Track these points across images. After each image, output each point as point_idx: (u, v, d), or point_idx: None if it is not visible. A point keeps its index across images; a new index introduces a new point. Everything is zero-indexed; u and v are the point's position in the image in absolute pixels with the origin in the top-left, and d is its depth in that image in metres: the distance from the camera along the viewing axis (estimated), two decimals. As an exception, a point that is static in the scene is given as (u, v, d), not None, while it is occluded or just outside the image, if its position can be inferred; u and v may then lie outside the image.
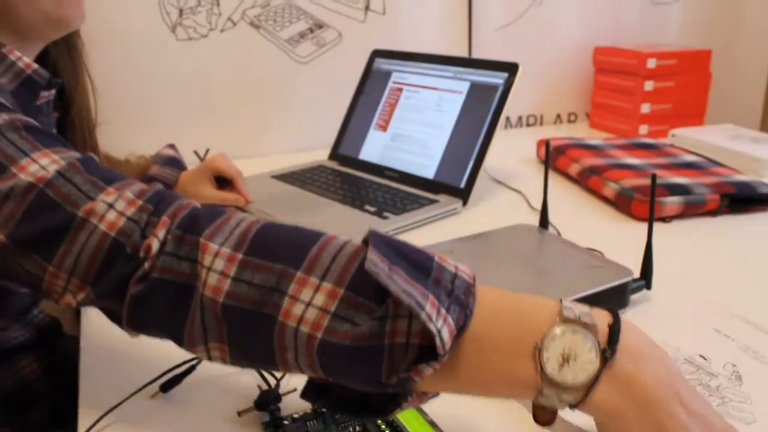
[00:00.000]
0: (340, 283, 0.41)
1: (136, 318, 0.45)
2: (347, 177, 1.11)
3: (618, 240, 0.88)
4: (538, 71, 1.52)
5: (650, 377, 0.39)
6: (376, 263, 0.39)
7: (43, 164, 0.48)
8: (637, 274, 0.72)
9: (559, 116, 1.60)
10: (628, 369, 0.39)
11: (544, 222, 0.84)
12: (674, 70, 1.42)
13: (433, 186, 1.03)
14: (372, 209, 0.96)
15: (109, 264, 0.45)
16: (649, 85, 1.41)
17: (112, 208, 0.46)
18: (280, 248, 0.43)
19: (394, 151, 1.11)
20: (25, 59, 0.64)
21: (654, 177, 0.69)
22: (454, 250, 0.75)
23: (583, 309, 0.40)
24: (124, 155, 1.01)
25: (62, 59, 0.74)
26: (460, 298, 0.41)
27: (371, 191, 1.04)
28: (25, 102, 0.64)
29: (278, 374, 0.57)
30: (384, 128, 1.15)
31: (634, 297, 0.71)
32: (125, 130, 1.19)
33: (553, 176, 1.18)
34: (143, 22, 1.20)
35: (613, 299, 0.69)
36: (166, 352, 0.57)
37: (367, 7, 1.34)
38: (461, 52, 1.45)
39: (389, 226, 0.90)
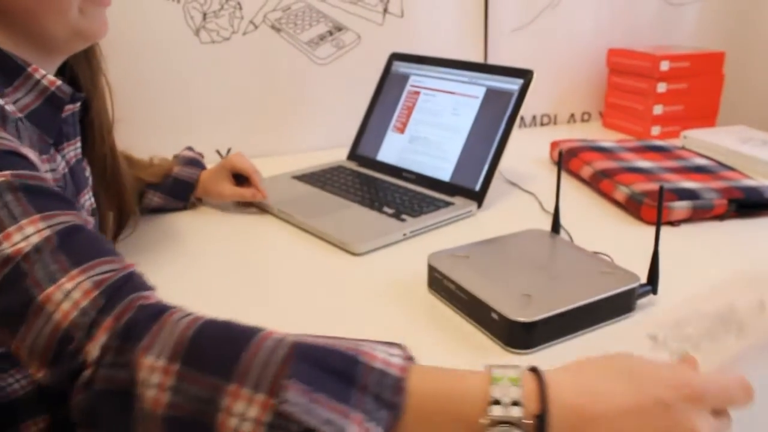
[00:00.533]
0: (272, 393, 0.41)
1: (83, 421, 0.46)
2: (366, 178, 1.15)
3: (628, 244, 0.91)
4: (552, 71, 1.55)
5: None
6: (293, 401, 0.41)
7: (27, 233, 0.50)
8: (644, 278, 0.75)
9: (573, 116, 1.63)
10: None
11: (555, 227, 0.88)
12: (687, 72, 1.44)
13: (449, 188, 1.07)
14: (390, 211, 1.00)
15: (60, 356, 0.46)
16: (661, 87, 1.43)
17: (68, 298, 0.47)
18: (213, 355, 0.44)
19: (412, 153, 1.15)
20: (49, 77, 0.66)
21: (662, 188, 0.72)
22: (469, 255, 0.78)
23: (511, 397, 0.42)
24: (148, 156, 1.05)
25: (81, 66, 0.76)
26: (388, 400, 0.42)
27: (389, 193, 1.07)
28: (49, 117, 0.66)
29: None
30: (402, 130, 1.18)
31: (640, 302, 0.75)
32: (150, 130, 1.24)
33: (565, 178, 1.21)
34: (168, 26, 1.24)
35: (620, 304, 0.73)
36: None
37: (385, 10, 1.37)
38: (477, 53, 1.48)
39: (407, 228, 0.94)
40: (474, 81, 1.12)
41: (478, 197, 1.04)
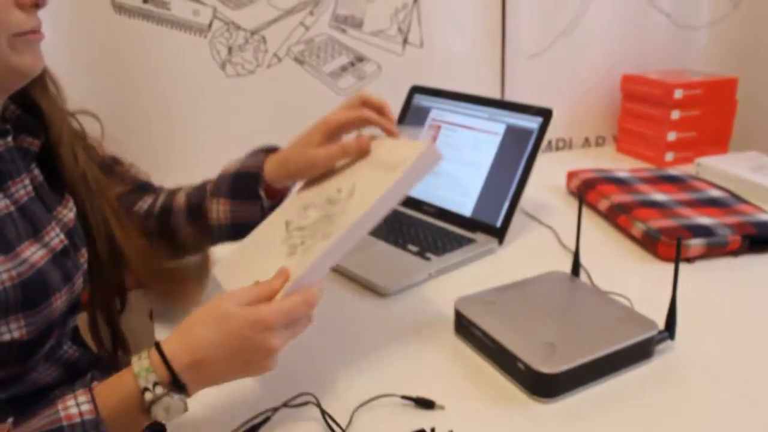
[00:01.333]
0: None
1: None
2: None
3: (646, 283, 0.94)
4: (567, 97, 1.58)
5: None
6: None
7: None
8: (661, 323, 0.78)
9: (587, 139, 1.66)
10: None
11: (575, 269, 0.91)
12: (700, 99, 1.47)
13: (470, 223, 1.10)
14: (414, 249, 1.03)
15: None
16: (675, 115, 1.46)
17: None
18: None
19: (433, 186, 1.18)
20: None
21: (679, 240, 0.75)
22: (495, 300, 0.82)
23: (151, 381, 0.60)
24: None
25: (38, 98, 0.73)
26: None
27: (412, 228, 1.11)
28: None
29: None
30: (422, 164, 1.22)
31: (658, 347, 0.78)
32: (178, 162, 1.28)
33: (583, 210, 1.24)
34: (195, 61, 1.28)
35: (639, 352, 0.76)
36: (240, 399, 0.66)
37: (405, 41, 1.40)
38: (495, 80, 1.51)
39: (432, 267, 0.98)
40: (494, 117, 1.15)
41: (499, 234, 1.07)
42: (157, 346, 0.62)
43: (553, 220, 1.18)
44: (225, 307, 0.63)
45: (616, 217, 1.14)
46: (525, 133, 1.10)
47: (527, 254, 1.06)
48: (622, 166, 1.37)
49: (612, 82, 1.61)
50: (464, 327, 0.81)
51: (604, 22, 1.57)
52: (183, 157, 1.30)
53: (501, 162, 1.12)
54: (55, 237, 0.70)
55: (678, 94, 1.44)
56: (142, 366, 0.61)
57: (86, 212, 0.77)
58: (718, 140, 1.53)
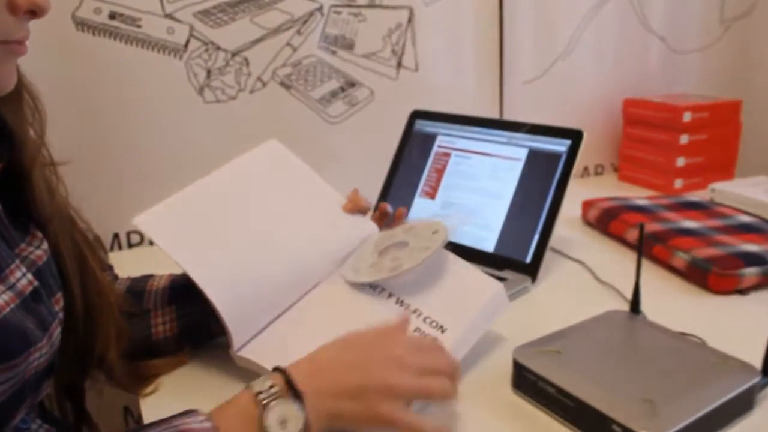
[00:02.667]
0: None
1: None
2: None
3: (701, 318, 0.84)
4: (564, 124, 1.48)
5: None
6: None
7: None
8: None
9: (586, 169, 1.56)
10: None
11: (635, 307, 0.79)
12: (707, 122, 1.40)
13: (495, 261, 0.98)
14: (440, 291, 0.89)
15: None
16: (684, 139, 1.38)
17: None
18: None
19: (446, 220, 1.05)
20: None
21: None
22: (560, 349, 0.69)
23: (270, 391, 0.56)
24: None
25: (9, 114, 0.61)
26: None
27: (430, 267, 0.97)
28: None
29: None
30: (432, 196, 1.09)
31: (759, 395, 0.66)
32: (147, 198, 1.11)
33: (605, 242, 1.13)
34: (169, 84, 1.13)
35: (741, 404, 0.64)
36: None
37: (399, 64, 1.29)
38: (493, 104, 1.41)
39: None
40: (513, 142, 1.03)
41: (531, 271, 0.95)
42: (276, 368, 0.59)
43: (580, 253, 1.06)
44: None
45: (650, 248, 1.03)
46: (551, 157, 0.99)
47: (564, 292, 0.94)
48: (630, 195, 1.27)
49: (610, 106, 1.53)
50: (528, 382, 0.67)
51: (600, 46, 1.49)
52: (154, 194, 1.13)
53: (525, 191, 1.00)
54: (22, 278, 0.56)
55: (687, 117, 1.36)
56: (261, 382, 0.57)
57: (61, 252, 0.63)
58: (725, 165, 1.45)
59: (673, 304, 0.89)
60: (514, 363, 0.69)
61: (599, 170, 1.58)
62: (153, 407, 0.68)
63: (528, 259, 0.96)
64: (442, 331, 0.71)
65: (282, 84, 1.21)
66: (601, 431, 0.59)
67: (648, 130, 1.44)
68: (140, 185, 1.13)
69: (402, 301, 0.74)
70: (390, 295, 0.75)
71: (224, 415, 0.55)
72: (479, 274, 0.78)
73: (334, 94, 1.25)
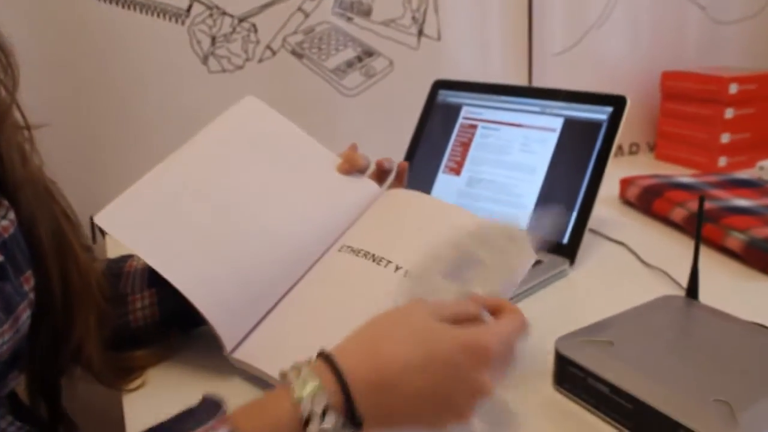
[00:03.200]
0: None
1: None
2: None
3: (763, 306, 0.73)
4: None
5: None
6: None
7: None
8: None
9: (620, 148, 1.46)
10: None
11: (693, 291, 0.69)
12: (754, 95, 1.28)
13: (528, 241, 0.88)
14: (467, 274, 0.80)
15: None
16: (729, 113, 1.27)
17: None
18: None
19: (473, 198, 0.96)
20: None
21: None
22: (612, 340, 0.59)
23: (320, 407, 0.43)
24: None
25: None
26: None
27: (456, 249, 0.88)
28: None
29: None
30: (457, 171, 0.99)
31: None
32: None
33: (647, 222, 1.03)
34: (171, 53, 1.04)
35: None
36: None
37: (420, 32, 1.19)
38: (521, 77, 1.31)
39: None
40: (547, 111, 0.93)
41: (569, 253, 0.85)
42: (327, 357, 0.46)
43: (620, 234, 0.96)
44: (426, 321, 0.48)
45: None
46: (590, 127, 0.89)
47: (606, 276, 0.84)
48: (672, 173, 1.16)
49: (646, 80, 1.42)
50: (574, 378, 0.57)
51: (636, 15, 1.38)
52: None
53: (561, 164, 0.90)
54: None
55: (733, 89, 1.25)
56: (305, 386, 0.44)
57: (35, 224, 0.54)
58: (770, 142, 1.34)
59: (729, 290, 0.79)
60: (557, 356, 0.59)
61: (634, 149, 1.47)
62: (137, 406, 0.59)
63: (565, 240, 0.86)
64: None
65: (293, 53, 1.11)
66: (667, 438, 0.50)
67: (689, 105, 1.33)
68: (135, 164, 1.04)
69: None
70: (398, 268, 0.64)
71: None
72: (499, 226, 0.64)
73: (349, 65, 1.15)
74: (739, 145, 1.30)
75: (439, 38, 1.21)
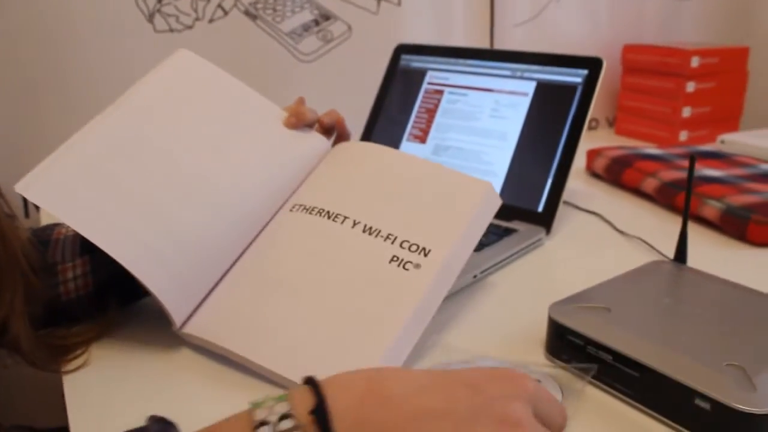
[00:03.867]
0: None
1: None
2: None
3: (743, 273, 0.69)
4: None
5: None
6: None
7: None
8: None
9: (580, 122, 1.43)
10: None
11: (682, 255, 0.66)
12: (715, 69, 1.27)
13: (501, 210, 0.83)
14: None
15: None
16: (690, 87, 1.26)
17: None
18: None
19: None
20: None
21: None
22: (608, 306, 0.55)
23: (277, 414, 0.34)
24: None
25: None
26: None
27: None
28: None
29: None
30: (422, 139, 0.94)
31: None
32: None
33: (618, 193, 1.00)
34: (113, 9, 0.95)
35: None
36: None
37: (380, -4, 1.13)
38: (483, 45, 1.26)
39: (475, 268, 0.69)
40: (517, 74, 0.89)
41: (545, 221, 0.81)
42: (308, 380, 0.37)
43: (591, 204, 0.93)
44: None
45: (672, 197, 0.90)
46: (565, 90, 0.85)
47: (583, 245, 0.80)
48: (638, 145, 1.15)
49: (606, 55, 1.36)
50: (571, 347, 0.53)
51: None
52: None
53: (534, 129, 0.86)
54: None
55: (695, 62, 1.24)
56: (268, 399, 0.36)
57: None
58: (730, 116, 1.34)
59: (708, 259, 0.76)
60: (551, 323, 0.55)
61: (593, 125, 1.45)
62: (80, 387, 0.52)
63: (540, 208, 0.82)
64: (425, 254, 0.56)
65: (246, 13, 1.04)
66: (681, 407, 0.46)
67: (650, 78, 1.31)
68: (71, 131, 0.95)
69: (371, 228, 0.59)
70: (355, 223, 0.59)
71: None
72: (460, 176, 0.62)
73: (306, 28, 1.08)
74: (700, 119, 1.29)
75: (399, 3, 1.15)
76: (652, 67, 1.30)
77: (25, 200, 0.97)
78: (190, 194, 0.58)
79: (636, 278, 0.61)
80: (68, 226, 0.61)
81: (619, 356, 0.49)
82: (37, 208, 0.96)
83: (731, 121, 1.35)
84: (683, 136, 1.28)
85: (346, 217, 0.59)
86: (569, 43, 1.36)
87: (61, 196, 0.54)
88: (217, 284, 0.59)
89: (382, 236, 0.57)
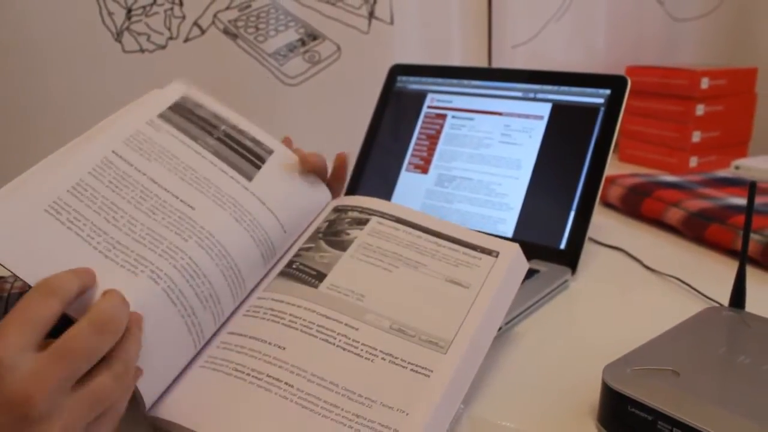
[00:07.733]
0: None
1: None
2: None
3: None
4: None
5: None
6: None
7: None
8: None
9: (581, 149, 1.35)
10: None
11: (739, 300, 0.57)
12: (724, 91, 1.20)
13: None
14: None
15: None
16: (700, 110, 1.18)
17: None
18: None
19: (446, 199, 0.81)
20: None
21: None
22: (676, 368, 0.45)
23: None
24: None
25: None
26: None
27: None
28: None
29: None
30: (424, 169, 0.85)
31: None
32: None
33: (637, 225, 0.92)
34: (77, 26, 0.85)
35: None
36: None
37: (371, 14, 1.04)
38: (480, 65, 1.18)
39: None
40: (530, 95, 0.80)
41: (569, 260, 0.71)
42: None
43: (613, 238, 0.84)
44: None
45: (702, 228, 0.82)
46: (585, 112, 0.76)
47: (613, 286, 0.71)
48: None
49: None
50: (633, 419, 0.43)
51: (596, 9, 1.29)
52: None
53: (552, 156, 0.77)
54: None
55: (704, 83, 1.17)
56: None
57: None
58: (740, 141, 1.27)
59: (764, 301, 0.67)
60: (606, 391, 0.45)
61: (595, 151, 1.37)
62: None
63: (562, 245, 0.73)
64: (443, 350, 0.47)
65: (226, 32, 0.94)
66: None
67: (658, 101, 1.24)
68: (32, 163, 0.85)
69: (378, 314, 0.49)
70: (366, 311, 0.49)
71: None
72: (482, 237, 0.54)
73: (291, 48, 0.99)
74: (709, 143, 1.21)
75: (391, 22, 1.06)
76: (657, 90, 1.23)
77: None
78: (171, 251, 0.47)
79: (695, 330, 0.52)
80: (15, 279, 0.51)
81: (700, 435, 0.39)
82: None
83: (740, 146, 1.28)
84: (693, 162, 1.21)
85: (347, 325, 0.49)
86: (569, 64, 1.29)
87: (7, 243, 0.43)
88: (198, 355, 0.48)
89: (387, 327, 0.48)
